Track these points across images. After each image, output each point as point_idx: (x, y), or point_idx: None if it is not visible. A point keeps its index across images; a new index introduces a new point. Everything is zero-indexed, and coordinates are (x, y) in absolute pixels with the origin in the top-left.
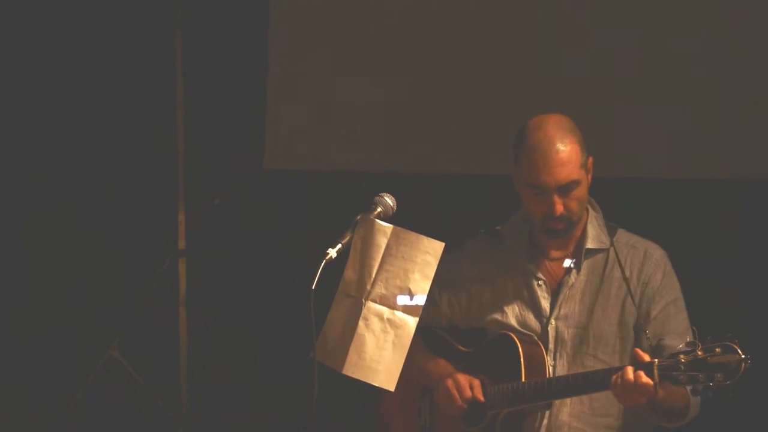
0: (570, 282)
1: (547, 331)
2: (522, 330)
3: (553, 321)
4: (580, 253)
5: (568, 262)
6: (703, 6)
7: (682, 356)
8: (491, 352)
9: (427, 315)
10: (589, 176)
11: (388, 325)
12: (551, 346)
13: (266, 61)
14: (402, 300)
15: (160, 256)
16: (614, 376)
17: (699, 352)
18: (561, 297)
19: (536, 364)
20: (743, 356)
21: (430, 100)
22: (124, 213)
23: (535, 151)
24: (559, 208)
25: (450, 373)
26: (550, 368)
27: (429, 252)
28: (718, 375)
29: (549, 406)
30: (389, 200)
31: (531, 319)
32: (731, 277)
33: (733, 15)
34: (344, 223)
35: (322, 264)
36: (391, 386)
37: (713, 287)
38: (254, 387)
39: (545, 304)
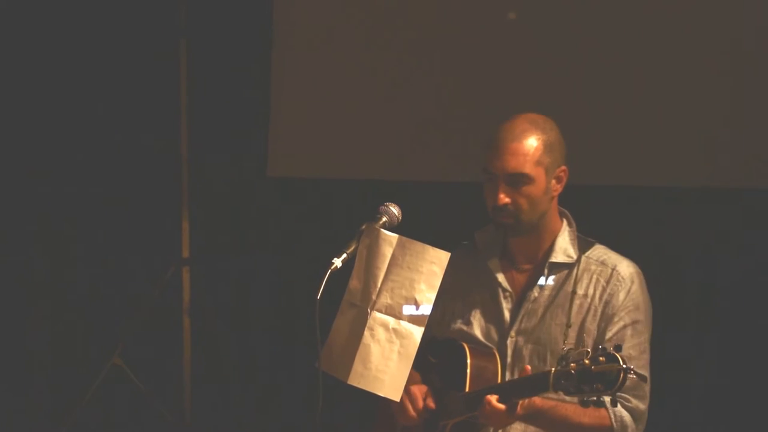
0: (533, 296)
1: (505, 344)
2: (485, 342)
3: (512, 334)
4: (543, 267)
5: (533, 275)
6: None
7: (573, 365)
8: (448, 362)
9: None
10: (559, 185)
11: (393, 335)
12: (509, 360)
13: (269, 68)
14: (407, 310)
15: (164, 265)
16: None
17: (586, 361)
18: (522, 311)
19: (486, 375)
20: (624, 366)
21: (436, 109)
22: (128, 221)
23: (496, 137)
24: (503, 197)
25: (408, 384)
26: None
27: (435, 262)
28: (598, 385)
29: None
30: (394, 210)
31: (493, 331)
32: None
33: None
34: (349, 232)
35: (327, 274)
36: (396, 396)
37: (714, 288)
38: (257, 395)
39: (507, 316)
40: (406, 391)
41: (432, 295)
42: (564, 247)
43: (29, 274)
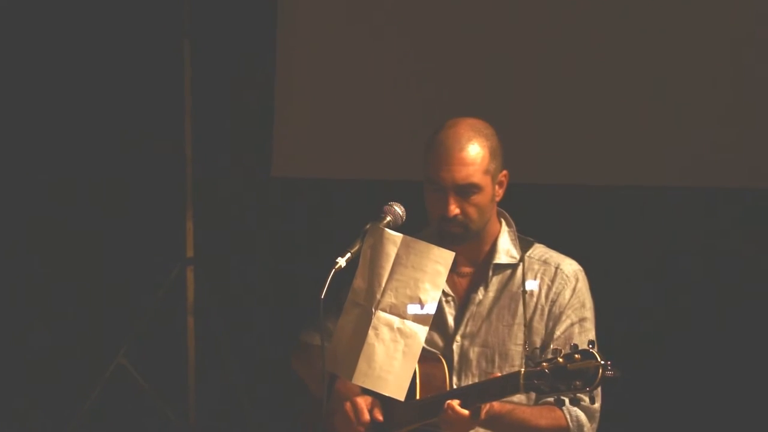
0: (477, 299)
1: (451, 349)
2: (428, 347)
3: (458, 338)
4: (488, 269)
5: (476, 278)
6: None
7: (545, 364)
8: None
9: None
10: (501, 190)
11: (397, 335)
12: (455, 365)
13: (274, 68)
14: (412, 309)
15: (168, 265)
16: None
17: (560, 359)
18: (467, 314)
19: (436, 382)
20: (601, 362)
21: (440, 108)
22: (132, 221)
23: (441, 146)
24: (453, 209)
25: (352, 395)
26: (454, 387)
27: (439, 261)
28: (577, 382)
29: None
30: (398, 209)
31: (437, 337)
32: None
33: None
34: (353, 231)
35: (332, 273)
36: (401, 396)
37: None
38: (261, 395)
39: (451, 320)
40: (352, 402)
41: (436, 294)
42: (506, 248)
43: (33, 273)
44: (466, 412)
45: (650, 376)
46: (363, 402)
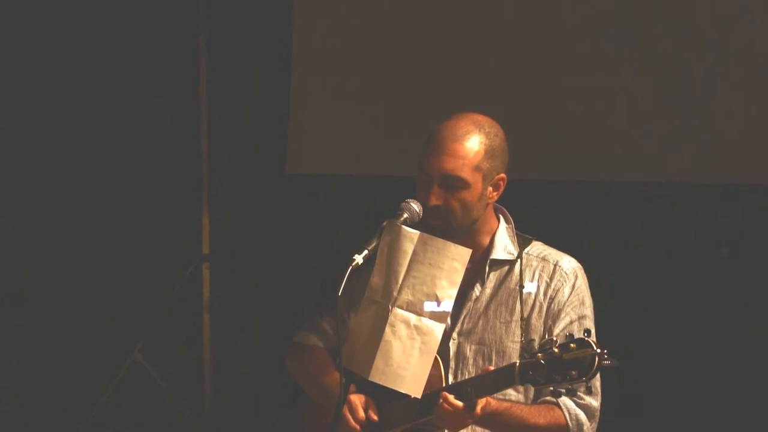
0: (474, 295)
1: (447, 347)
2: None
3: (454, 336)
4: (485, 265)
5: (472, 274)
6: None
7: (540, 355)
8: None
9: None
10: (495, 193)
11: (414, 332)
12: (452, 363)
13: (289, 65)
14: (429, 306)
15: (184, 261)
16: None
17: (555, 349)
18: (464, 311)
19: (431, 380)
20: (597, 350)
21: (455, 104)
22: (149, 217)
23: (438, 134)
24: (434, 199)
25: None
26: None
27: (456, 258)
28: (573, 372)
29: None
30: (415, 206)
31: None
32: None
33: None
34: (369, 228)
35: (349, 270)
36: (417, 393)
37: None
38: (277, 391)
39: (448, 318)
40: (347, 401)
41: (453, 292)
42: (504, 244)
43: (51, 271)
44: (460, 404)
45: (647, 373)
46: (358, 400)
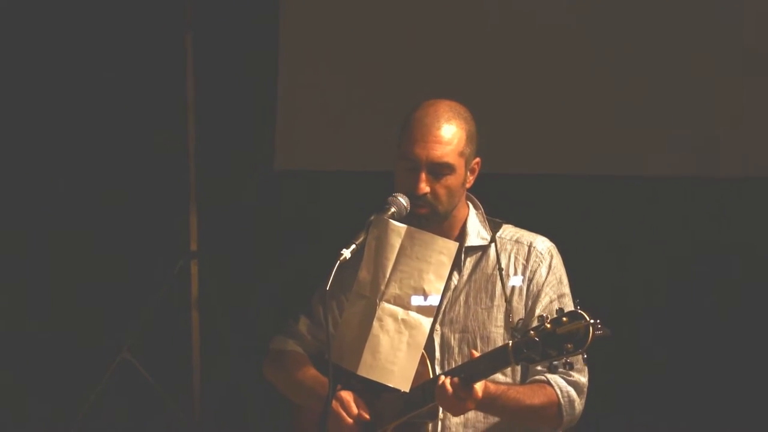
0: (452, 284)
1: (432, 338)
2: None
3: (437, 327)
4: (460, 252)
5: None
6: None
7: (532, 332)
8: None
9: (320, 339)
10: (472, 177)
11: (402, 326)
12: (438, 354)
13: (276, 61)
14: (416, 300)
15: (172, 258)
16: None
17: (547, 325)
18: (444, 301)
19: (417, 375)
20: (591, 321)
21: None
22: (136, 215)
23: (419, 122)
24: (423, 186)
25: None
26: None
27: (443, 252)
28: (568, 345)
29: (434, 416)
30: (403, 200)
31: None
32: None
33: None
34: (357, 223)
35: (336, 264)
36: (405, 387)
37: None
38: (267, 389)
39: None
40: (338, 399)
41: (441, 285)
42: (476, 230)
43: (38, 269)
44: (462, 386)
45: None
46: (348, 396)
